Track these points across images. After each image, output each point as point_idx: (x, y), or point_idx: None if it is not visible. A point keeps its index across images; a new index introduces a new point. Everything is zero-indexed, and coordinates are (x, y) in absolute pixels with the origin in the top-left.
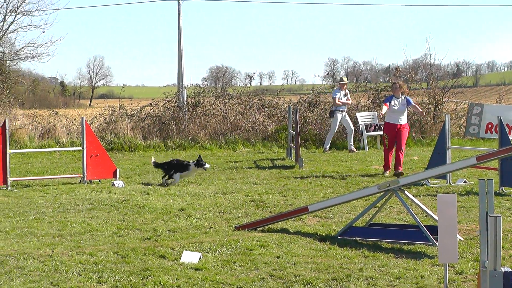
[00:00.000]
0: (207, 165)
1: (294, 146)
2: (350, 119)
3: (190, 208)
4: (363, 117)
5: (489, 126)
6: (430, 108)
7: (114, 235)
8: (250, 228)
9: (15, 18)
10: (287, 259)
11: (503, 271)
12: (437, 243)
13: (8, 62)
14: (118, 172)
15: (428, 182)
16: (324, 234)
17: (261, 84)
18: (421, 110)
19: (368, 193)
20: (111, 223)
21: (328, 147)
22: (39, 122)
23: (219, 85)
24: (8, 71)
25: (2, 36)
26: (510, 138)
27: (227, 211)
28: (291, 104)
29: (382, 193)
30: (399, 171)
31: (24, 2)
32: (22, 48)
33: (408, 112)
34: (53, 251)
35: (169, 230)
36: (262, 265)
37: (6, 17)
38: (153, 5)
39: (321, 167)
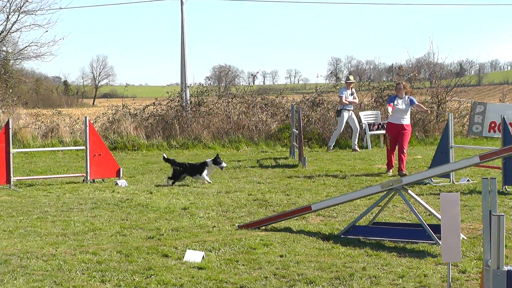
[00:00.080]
0: (223, 164)
1: (297, 145)
2: (357, 119)
3: (193, 207)
4: (366, 116)
5: (492, 125)
6: (433, 107)
7: (117, 234)
8: (253, 227)
9: (18, 17)
10: (290, 258)
11: (506, 270)
12: (440, 242)
13: (11, 61)
14: (121, 171)
15: (431, 181)
16: (327, 233)
17: (264, 83)
18: (426, 108)
19: (371, 192)
20: (114, 222)
21: (332, 145)
22: (42, 122)
23: (222, 84)
24: (12, 71)
25: (6, 36)
26: None
27: (230, 210)
28: (294, 103)
29: (385, 192)
30: (403, 172)
31: (27, 1)
32: (25, 47)
33: (411, 111)
34: (56, 250)
35: (172, 229)
36: (265, 264)
37: (9, 16)
38: (156, 4)
39: (324, 166)
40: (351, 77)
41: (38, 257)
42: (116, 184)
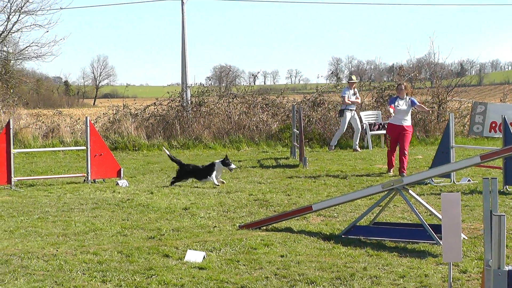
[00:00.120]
0: (233, 166)
1: (298, 145)
2: (359, 119)
3: (194, 207)
4: (367, 116)
5: (493, 125)
6: (434, 107)
7: (118, 234)
8: (254, 227)
9: (19, 17)
10: (291, 258)
11: (507, 270)
12: (441, 242)
13: (12, 61)
14: (122, 172)
15: (432, 181)
16: (328, 233)
17: (265, 83)
18: (427, 109)
19: (372, 192)
20: (115, 222)
21: (334, 145)
22: (43, 122)
23: (223, 84)
24: (12, 71)
25: (6, 36)
26: None
27: (231, 210)
28: (295, 103)
29: (386, 192)
30: (403, 174)
31: (28, 1)
32: (26, 47)
33: (412, 112)
34: (57, 250)
35: (173, 229)
36: (266, 264)
37: (10, 16)
38: (157, 4)
39: (325, 166)
40: (353, 77)
41: (39, 257)
42: (117, 184)
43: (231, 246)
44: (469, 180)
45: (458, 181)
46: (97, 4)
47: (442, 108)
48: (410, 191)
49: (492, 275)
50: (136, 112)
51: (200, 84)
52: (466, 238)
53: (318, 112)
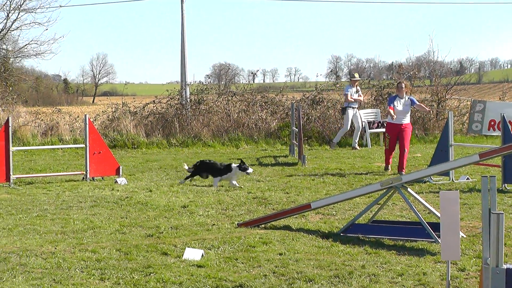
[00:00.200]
0: (250, 170)
1: (297, 143)
2: (360, 117)
3: (192, 205)
4: (366, 114)
5: (492, 123)
6: (433, 105)
7: (116, 232)
8: (252, 225)
9: (18, 15)
10: (290, 256)
11: (505, 268)
12: (439, 240)
13: (11, 59)
14: (121, 169)
15: (431, 179)
16: (326, 231)
17: (264, 82)
18: (427, 109)
19: (371, 190)
20: (114, 220)
21: (337, 142)
22: (42, 120)
23: (222, 82)
24: (11, 69)
25: (6, 34)
26: None
27: (229, 208)
28: (294, 101)
29: (384, 190)
30: (402, 173)
31: None
32: (25, 45)
33: (411, 110)
34: (55, 248)
35: (171, 227)
36: (265, 262)
37: (10, 14)
38: (157, 2)
39: (324, 164)
40: (356, 75)
41: (38, 255)
42: (116, 182)
43: (229, 244)
44: (468, 178)
45: (457, 179)
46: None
47: (441, 106)
48: (409, 189)
49: (490, 273)
50: (135, 110)
51: (199, 82)
52: (465, 236)
53: (317, 110)
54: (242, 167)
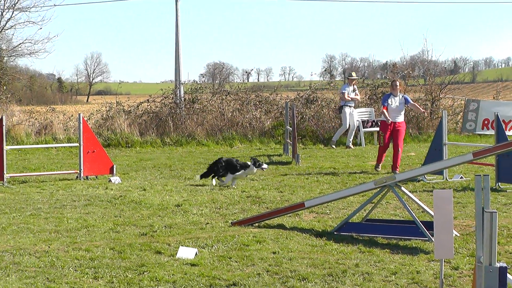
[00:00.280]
0: (265, 166)
1: (291, 142)
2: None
3: (186, 204)
4: (360, 113)
5: (486, 122)
6: (427, 104)
7: (110, 231)
8: (246, 224)
9: (12, 14)
10: (283, 255)
11: (498, 266)
12: (433, 239)
13: (5, 58)
14: (114, 168)
15: (425, 178)
16: (320, 230)
17: (258, 81)
18: (422, 110)
19: (365, 189)
20: (108, 219)
21: (335, 141)
22: (36, 119)
23: (217, 82)
24: (5, 68)
25: (0, 33)
26: (506, 134)
27: (223, 207)
28: (288, 100)
29: (378, 189)
30: (396, 172)
31: None
32: (19, 44)
33: (405, 109)
34: (49, 247)
35: (165, 226)
36: (258, 261)
37: (4, 13)
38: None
39: (318, 163)
40: (353, 74)
41: (31, 253)
42: (110, 181)
43: (223, 242)
44: (461, 177)
45: (451, 178)
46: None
47: (435, 105)
48: (402, 188)
49: (483, 272)
50: (129, 109)
51: (194, 81)
52: (458, 235)
53: (311, 109)
54: (258, 164)
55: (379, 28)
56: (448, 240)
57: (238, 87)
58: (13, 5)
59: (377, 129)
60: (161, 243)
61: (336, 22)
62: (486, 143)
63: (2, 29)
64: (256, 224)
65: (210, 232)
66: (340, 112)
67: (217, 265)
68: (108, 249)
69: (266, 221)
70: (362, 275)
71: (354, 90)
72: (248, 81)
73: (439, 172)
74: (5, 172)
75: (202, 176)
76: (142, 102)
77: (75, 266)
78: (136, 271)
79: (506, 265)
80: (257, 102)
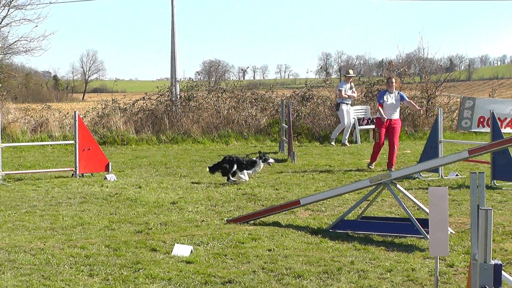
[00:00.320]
0: (271, 160)
1: (286, 140)
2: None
3: (182, 202)
4: (356, 111)
5: (481, 119)
6: (423, 102)
7: (105, 228)
8: (241, 221)
9: (8, 12)
10: (279, 252)
11: (493, 263)
12: (428, 236)
13: (1, 56)
14: (110, 166)
15: (420, 175)
16: (315, 227)
17: (254, 78)
18: (418, 107)
19: (360, 186)
20: (103, 216)
21: (335, 138)
22: (31, 116)
23: (212, 79)
24: (1, 65)
25: None
26: (502, 131)
27: (219, 205)
28: (284, 98)
29: (374, 187)
30: (392, 169)
31: None
32: (15, 42)
33: (401, 107)
34: (44, 244)
35: (160, 224)
36: (254, 258)
37: None
38: None
39: (314, 161)
40: (351, 71)
41: (26, 251)
42: (105, 178)
43: (218, 240)
44: (457, 175)
45: (446, 176)
46: None
47: (431, 103)
48: (398, 186)
49: (478, 269)
50: (125, 107)
51: (190, 78)
52: (454, 232)
53: (307, 107)
54: (264, 159)
55: (375, 26)
56: (443, 238)
57: (234, 84)
58: (9, 3)
59: (373, 126)
60: (156, 240)
61: (332, 20)
62: (482, 140)
63: None
64: (252, 222)
65: (205, 230)
66: (337, 110)
67: (212, 263)
68: (103, 246)
69: (262, 219)
70: (357, 273)
71: (351, 88)
72: (244, 78)
73: (435, 170)
74: (0, 170)
75: (210, 169)
76: (138, 100)
77: (70, 264)
78: (131, 269)
79: (501, 263)
80: (253, 100)
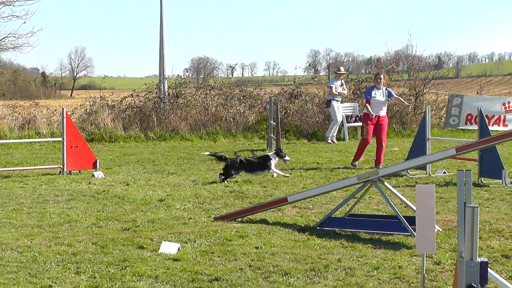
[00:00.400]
0: (287, 158)
1: (274, 137)
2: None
3: (169, 199)
4: (344, 108)
5: (469, 117)
6: (411, 99)
7: (93, 226)
8: (229, 219)
9: None
10: (266, 250)
11: (479, 261)
12: (415, 234)
13: None
14: (98, 163)
15: (408, 173)
16: (303, 225)
17: (242, 75)
18: (407, 103)
19: (348, 184)
20: (90, 214)
21: (330, 136)
22: (19, 113)
23: (201, 76)
24: None
25: None
26: (489, 129)
27: (206, 202)
28: (272, 95)
29: (361, 184)
30: (379, 166)
31: None
32: (2, 38)
33: (388, 104)
34: (31, 241)
35: (148, 221)
36: (241, 256)
37: None
38: None
39: (301, 158)
40: (342, 68)
41: (13, 248)
42: (93, 175)
43: (206, 237)
44: (444, 172)
45: (434, 173)
46: None
47: (419, 100)
48: (385, 183)
49: (464, 266)
50: (113, 104)
51: (178, 75)
52: (441, 230)
53: (295, 104)
54: (280, 155)
55: (364, 23)
56: (430, 235)
57: (222, 81)
58: None
59: (361, 124)
60: (143, 238)
61: (321, 17)
62: (470, 138)
63: None
64: (239, 219)
65: (193, 227)
66: (328, 106)
67: (199, 260)
68: (90, 244)
69: (249, 216)
70: (344, 270)
71: (342, 85)
72: (232, 75)
73: (422, 167)
74: None
75: (223, 177)
76: (126, 97)
77: (57, 261)
78: (118, 266)
79: (487, 260)
80: (241, 97)
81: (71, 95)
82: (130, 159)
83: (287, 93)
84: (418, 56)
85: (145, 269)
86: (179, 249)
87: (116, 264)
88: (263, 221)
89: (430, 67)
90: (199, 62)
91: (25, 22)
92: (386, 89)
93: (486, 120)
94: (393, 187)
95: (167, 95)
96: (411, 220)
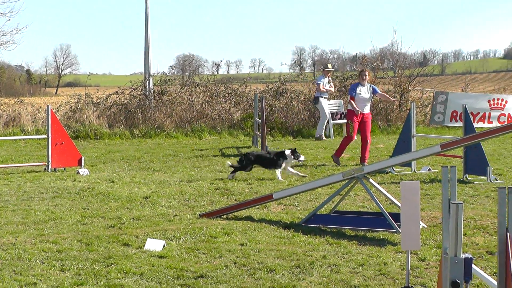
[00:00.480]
0: (302, 157)
1: (260, 134)
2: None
3: (155, 196)
4: (329, 106)
5: (454, 114)
6: (396, 97)
7: (78, 223)
8: (214, 215)
9: None
10: (251, 247)
11: (464, 257)
12: (400, 230)
13: None
14: (83, 160)
15: (393, 169)
16: (288, 222)
17: (228, 73)
18: (392, 99)
19: (333, 180)
20: (75, 211)
21: (321, 134)
22: (4, 110)
23: (186, 73)
24: None
25: None
26: (474, 126)
27: (191, 199)
28: (258, 92)
29: (346, 181)
30: (365, 163)
31: None
32: None
33: (373, 101)
34: (16, 239)
35: (133, 218)
36: (226, 253)
37: None
38: None
39: None
40: (329, 66)
41: None
42: (78, 173)
43: (191, 234)
44: (429, 169)
45: (419, 170)
46: None
47: (404, 97)
48: (370, 180)
49: (449, 263)
50: (98, 101)
51: (163, 73)
52: (426, 226)
53: (281, 101)
54: (296, 155)
55: (349, 20)
56: (415, 232)
57: (208, 79)
58: None
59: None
60: (129, 235)
61: (306, 14)
62: (455, 135)
63: None
64: (224, 216)
65: (178, 224)
66: (316, 103)
67: (184, 257)
68: (75, 241)
69: (234, 213)
70: (329, 267)
71: (329, 82)
72: (217, 73)
73: (407, 164)
74: None
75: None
76: (111, 94)
77: (42, 259)
78: (103, 263)
79: (471, 256)
80: (227, 94)
81: (56, 92)
82: (115, 156)
83: (272, 90)
84: (403, 54)
85: (130, 266)
86: (164, 246)
87: (101, 261)
88: (249, 218)
89: (415, 65)
90: (185, 59)
91: (9, 20)
92: (370, 86)
93: (471, 117)
94: (378, 184)
95: (152, 92)
96: (396, 216)
